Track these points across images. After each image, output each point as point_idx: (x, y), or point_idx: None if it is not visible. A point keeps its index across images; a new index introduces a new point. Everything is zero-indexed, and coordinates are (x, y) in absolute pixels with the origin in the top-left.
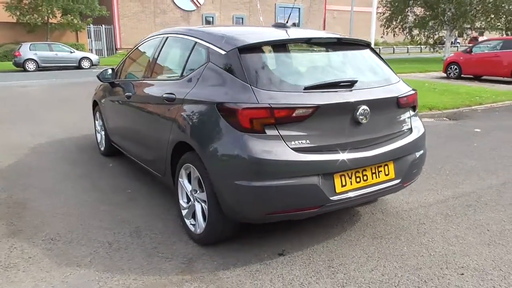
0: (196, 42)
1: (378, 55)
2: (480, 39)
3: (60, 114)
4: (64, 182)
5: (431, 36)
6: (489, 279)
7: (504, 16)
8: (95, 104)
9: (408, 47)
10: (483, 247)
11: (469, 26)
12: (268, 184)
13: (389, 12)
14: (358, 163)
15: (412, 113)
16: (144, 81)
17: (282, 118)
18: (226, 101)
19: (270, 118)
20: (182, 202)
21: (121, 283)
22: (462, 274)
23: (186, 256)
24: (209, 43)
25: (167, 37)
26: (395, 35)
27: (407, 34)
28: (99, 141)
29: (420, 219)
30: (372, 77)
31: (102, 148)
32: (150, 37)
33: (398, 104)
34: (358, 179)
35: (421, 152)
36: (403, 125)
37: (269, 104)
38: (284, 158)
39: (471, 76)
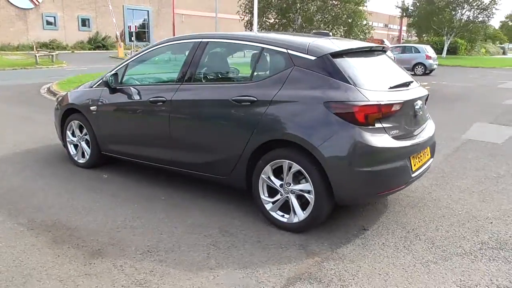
0: (263, 48)
1: None
2: None
3: None
4: (77, 199)
5: None
6: (509, 222)
7: (342, 27)
8: (68, 113)
9: None
10: (482, 204)
11: None
12: (382, 168)
13: (248, 16)
14: (421, 147)
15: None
16: (185, 85)
17: (385, 113)
18: (338, 100)
19: (379, 113)
20: (264, 197)
21: (272, 274)
22: (491, 222)
23: (295, 244)
24: (288, 49)
25: (207, 42)
26: None
27: None
28: (73, 152)
29: (424, 190)
30: (409, 78)
31: (82, 160)
32: (169, 41)
33: (426, 100)
34: (419, 160)
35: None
36: (427, 116)
37: (377, 101)
38: (391, 146)
39: None
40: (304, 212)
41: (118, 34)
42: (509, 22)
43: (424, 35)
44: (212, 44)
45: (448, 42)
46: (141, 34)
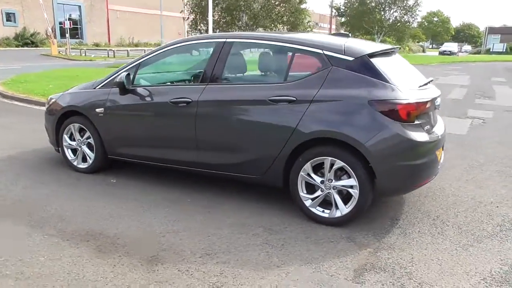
0: (297, 49)
1: None
2: None
3: None
4: (97, 205)
5: None
6: (511, 205)
7: (286, 26)
8: (65, 116)
9: None
10: (481, 190)
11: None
12: (422, 161)
13: (193, 16)
14: (442, 141)
15: None
16: (213, 86)
17: (421, 110)
18: (383, 99)
19: (417, 110)
20: (303, 194)
21: (338, 267)
22: (497, 206)
23: (342, 237)
24: (323, 50)
25: (233, 42)
26: None
27: None
28: (72, 157)
29: None
30: (426, 78)
31: (83, 165)
32: (184, 41)
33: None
34: (439, 153)
35: None
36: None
37: (416, 99)
38: (428, 140)
39: None
40: (347, 206)
41: (50, 30)
42: (425, 22)
43: (357, 34)
44: (238, 45)
45: (379, 41)
46: (71, 30)
